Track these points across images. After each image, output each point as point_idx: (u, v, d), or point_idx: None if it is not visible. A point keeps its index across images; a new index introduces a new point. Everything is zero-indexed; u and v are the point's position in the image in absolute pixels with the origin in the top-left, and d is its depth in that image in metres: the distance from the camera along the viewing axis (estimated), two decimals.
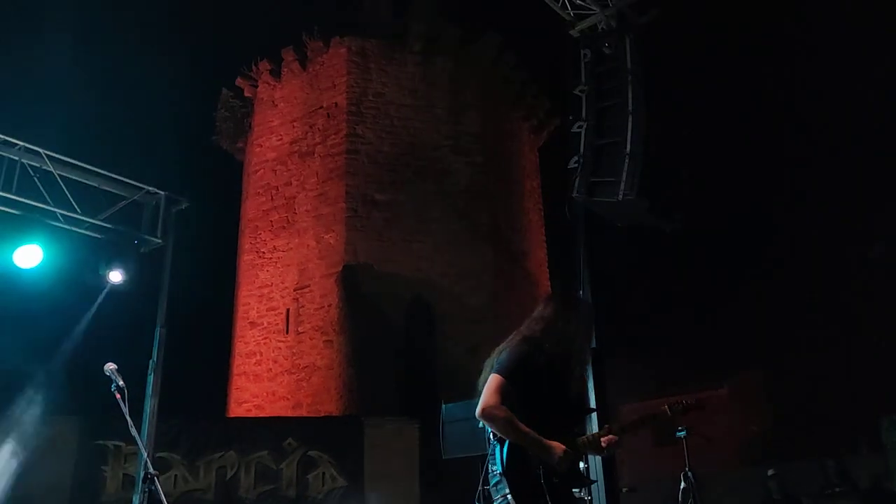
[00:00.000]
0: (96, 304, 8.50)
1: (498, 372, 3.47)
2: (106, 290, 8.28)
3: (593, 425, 5.19)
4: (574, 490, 3.71)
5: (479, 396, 3.47)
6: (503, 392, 3.41)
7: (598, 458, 6.27)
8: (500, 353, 3.59)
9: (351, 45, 16.91)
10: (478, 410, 3.46)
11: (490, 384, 3.46)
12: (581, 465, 4.80)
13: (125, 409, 3.68)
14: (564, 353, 3.56)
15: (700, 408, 3.73)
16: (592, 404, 5.87)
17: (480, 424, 3.56)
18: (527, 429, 3.37)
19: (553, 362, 3.53)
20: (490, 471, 3.48)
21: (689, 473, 6.73)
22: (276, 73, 17.81)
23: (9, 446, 8.80)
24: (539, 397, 3.45)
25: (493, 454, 3.47)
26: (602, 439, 3.54)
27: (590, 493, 6.02)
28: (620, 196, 6.27)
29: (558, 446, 3.37)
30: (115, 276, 8.29)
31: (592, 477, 6.38)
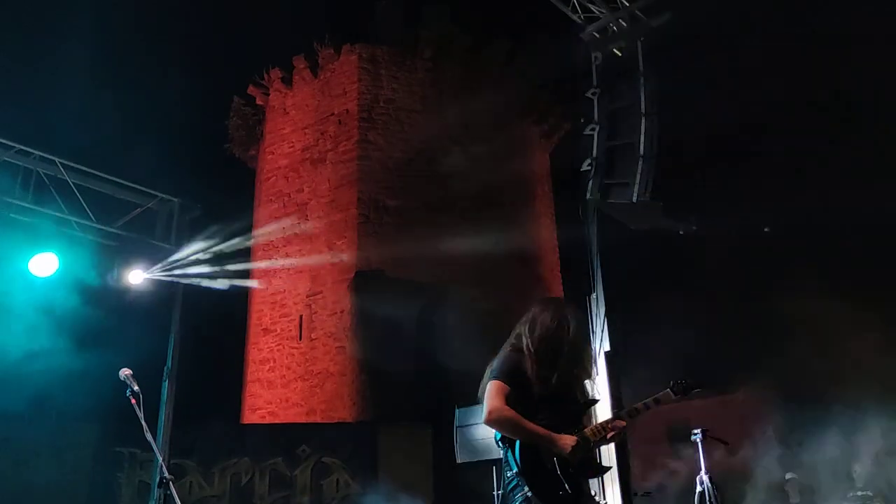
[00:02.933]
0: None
1: (496, 377, 3.56)
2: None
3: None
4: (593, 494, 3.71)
5: (481, 404, 3.56)
6: (505, 395, 3.48)
7: (614, 466, 6.24)
8: (493, 363, 3.69)
9: (362, 52, 16.96)
10: (484, 417, 3.52)
11: (490, 390, 3.53)
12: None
13: (140, 414, 3.69)
14: (553, 353, 3.63)
15: (700, 386, 3.73)
16: (607, 405, 5.85)
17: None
18: (534, 425, 3.43)
19: (543, 364, 3.59)
20: (505, 477, 3.51)
21: (706, 477, 6.67)
22: (287, 81, 17.89)
23: None
24: (533, 400, 3.51)
25: (507, 459, 3.51)
26: (609, 426, 3.55)
27: (605, 497, 5.99)
28: (634, 198, 6.26)
29: (569, 437, 3.42)
30: (136, 278, 8.38)
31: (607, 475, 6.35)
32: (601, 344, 6.75)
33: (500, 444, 3.53)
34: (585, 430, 3.52)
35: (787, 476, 9.79)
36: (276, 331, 16.14)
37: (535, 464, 3.40)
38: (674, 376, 3.76)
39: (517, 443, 3.45)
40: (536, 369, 3.56)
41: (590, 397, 3.96)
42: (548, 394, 3.55)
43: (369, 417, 13.47)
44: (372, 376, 14.25)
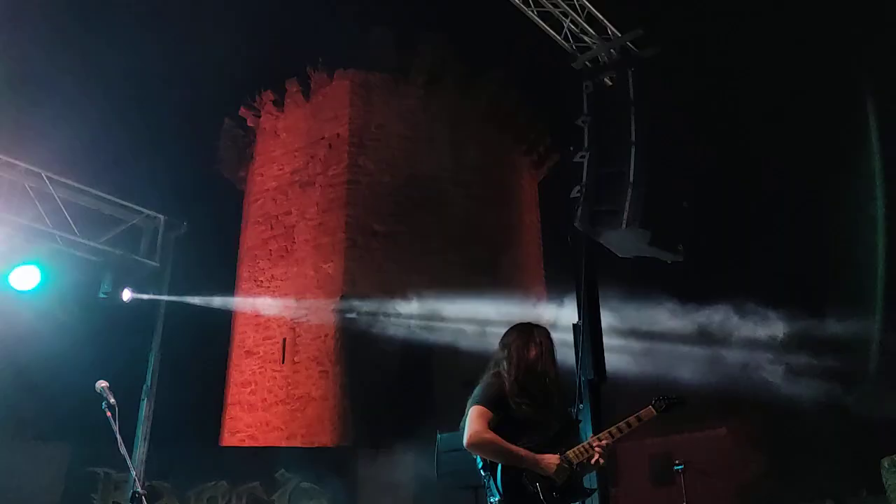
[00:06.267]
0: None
1: (477, 403, 3.55)
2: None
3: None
4: None
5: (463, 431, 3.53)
6: (487, 419, 3.47)
7: (594, 494, 6.17)
8: (475, 390, 3.69)
9: (354, 78, 17.06)
10: (465, 441, 3.50)
11: (472, 415, 3.52)
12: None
13: (115, 427, 3.60)
14: (531, 378, 3.63)
15: (682, 402, 3.69)
16: (588, 431, 5.78)
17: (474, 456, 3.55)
18: (516, 447, 3.41)
19: (523, 389, 3.59)
20: None
21: None
22: (279, 104, 17.94)
23: None
24: (516, 425, 3.50)
25: (489, 487, 3.46)
26: (595, 445, 3.50)
27: None
28: (623, 226, 6.27)
29: (552, 457, 3.40)
30: (126, 295, 8.30)
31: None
32: (587, 372, 6.70)
33: (483, 472, 3.50)
34: (568, 452, 3.48)
35: None
36: (258, 353, 15.98)
37: (518, 490, 3.37)
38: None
39: (499, 469, 3.41)
40: (517, 394, 3.56)
41: (572, 420, 3.94)
42: (530, 418, 3.53)
43: (350, 442, 13.30)
44: (354, 401, 14.11)
